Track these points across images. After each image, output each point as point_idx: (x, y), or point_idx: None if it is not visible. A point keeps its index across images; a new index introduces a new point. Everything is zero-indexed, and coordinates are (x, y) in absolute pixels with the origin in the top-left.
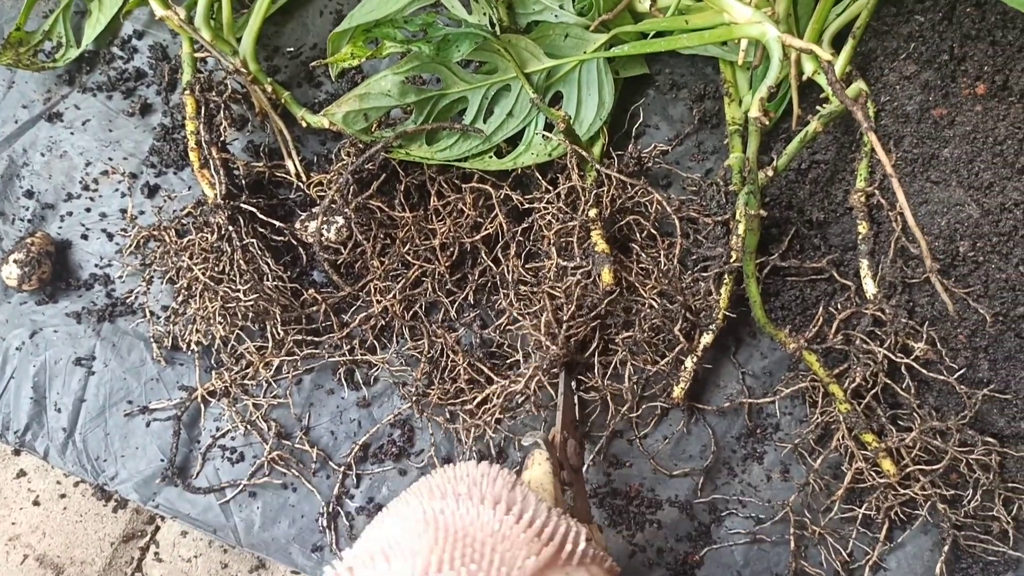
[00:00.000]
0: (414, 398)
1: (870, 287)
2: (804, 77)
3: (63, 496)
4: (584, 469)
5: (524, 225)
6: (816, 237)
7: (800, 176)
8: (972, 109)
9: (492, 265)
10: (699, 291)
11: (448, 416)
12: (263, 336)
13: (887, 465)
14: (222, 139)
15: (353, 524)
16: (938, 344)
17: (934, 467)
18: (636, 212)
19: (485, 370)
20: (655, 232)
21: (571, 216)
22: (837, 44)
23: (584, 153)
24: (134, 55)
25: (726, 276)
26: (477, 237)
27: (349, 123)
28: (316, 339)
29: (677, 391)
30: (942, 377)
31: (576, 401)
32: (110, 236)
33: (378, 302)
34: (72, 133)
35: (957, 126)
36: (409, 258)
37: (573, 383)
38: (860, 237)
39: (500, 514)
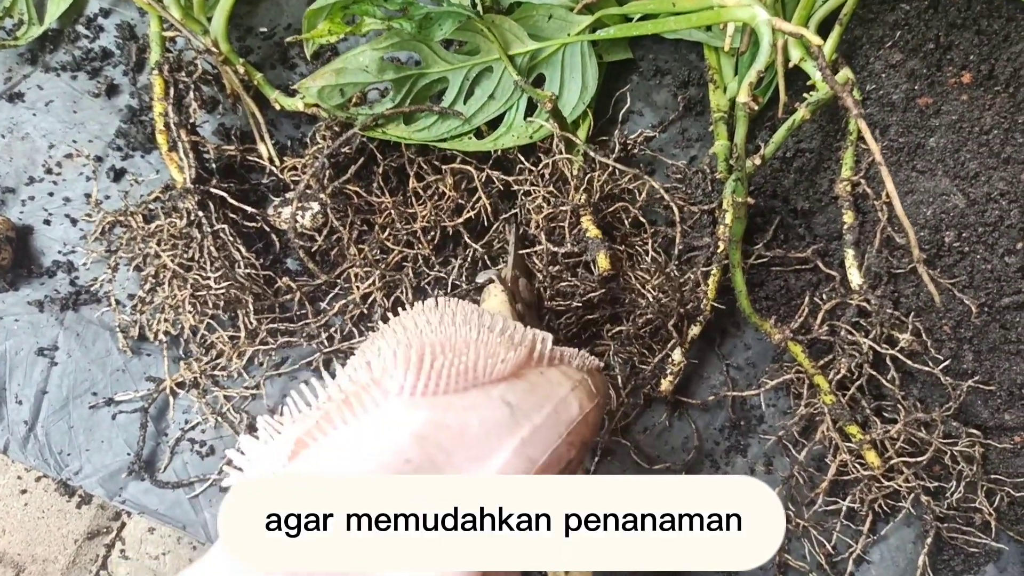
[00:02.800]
0: None
1: (855, 277)
2: (791, 64)
3: (24, 492)
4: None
5: (512, 211)
6: (801, 227)
7: (785, 165)
8: (958, 98)
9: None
10: (688, 282)
11: None
12: (235, 325)
13: (871, 457)
14: (192, 121)
15: None
16: (923, 335)
17: (918, 459)
18: (623, 199)
19: None
20: (642, 220)
21: (561, 200)
22: (823, 32)
23: (573, 137)
24: (100, 34)
25: (714, 266)
26: (460, 220)
27: (324, 98)
28: (291, 328)
29: (665, 384)
30: (927, 368)
31: (524, 257)
32: (74, 221)
33: (357, 288)
34: (35, 114)
35: (943, 115)
36: (389, 243)
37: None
38: (845, 227)
39: (475, 329)
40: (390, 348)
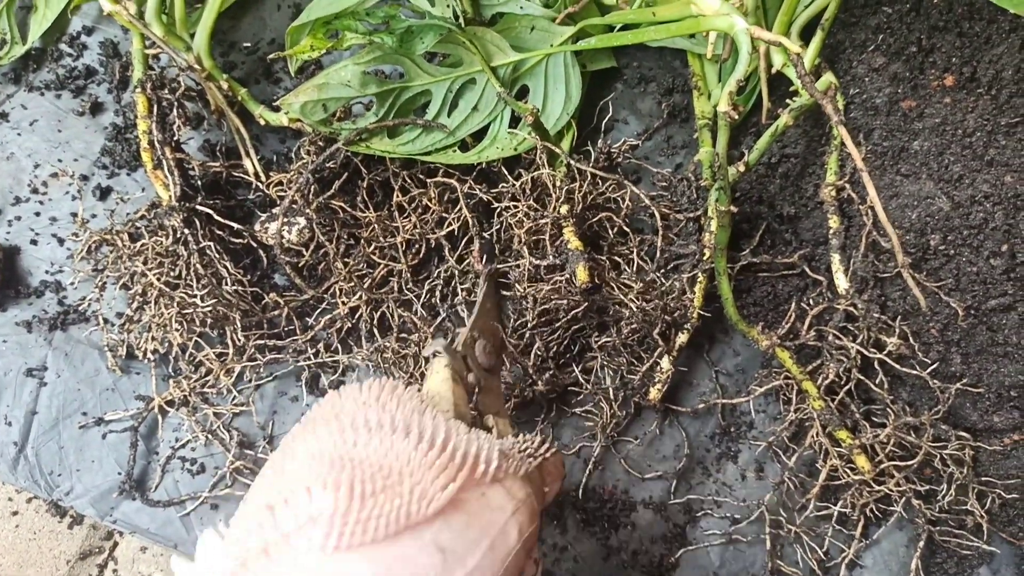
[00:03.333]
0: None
1: (842, 282)
2: (773, 70)
3: (15, 513)
4: (504, 365)
5: (496, 226)
6: (787, 232)
7: (770, 170)
8: (941, 101)
9: (456, 263)
10: (673, 290)
11: None
12: (223, 342)
13: (861, 462)
14: (176, 138)
15: None
16: (911, 339)
17: (908, 463)
18: (607, 208)
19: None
20: (627, 229)
21: (542, 213)
22: (805, 36)
23: (554, 147)
24: (83, 52)
25: (700, 274)
26: (442, 233)
27: (307, 113)
28: (279, 344)
29: (654, 392)
30: (915, 372)
31: (499, 302)
32: (61, 241)
33: (343, 303)
34: (19, 134)
35: (926, 118)
36: (375, 257)
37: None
38: (831, 232)
39: (413, 442)
40: (304, 487)
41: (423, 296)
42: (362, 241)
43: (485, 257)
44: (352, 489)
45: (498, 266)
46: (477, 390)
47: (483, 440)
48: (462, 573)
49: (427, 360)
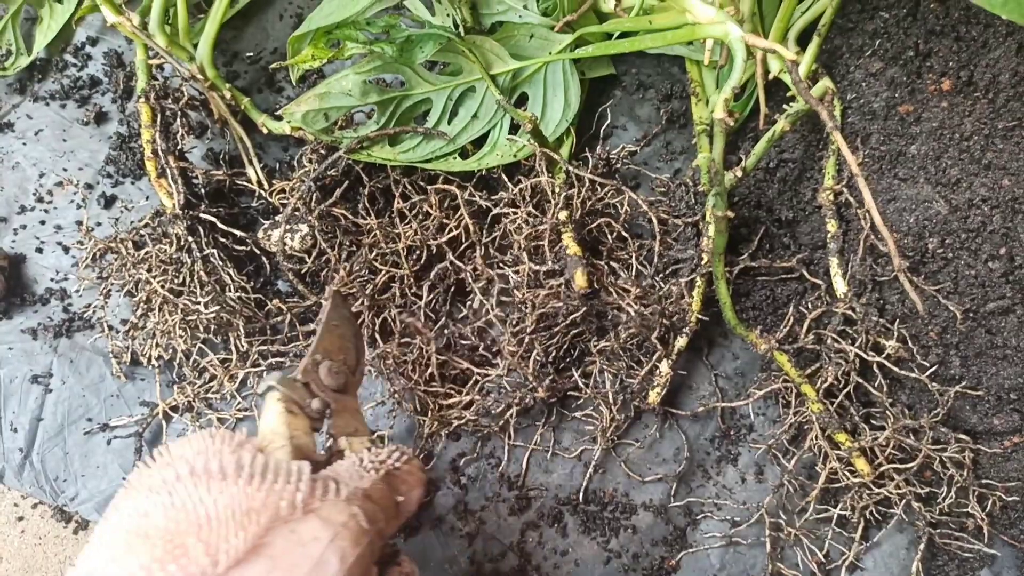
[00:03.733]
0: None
1: (840, 286)
2: (770, 76)
3: (20, 519)
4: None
5: (495, 233)
6: (785, 236)
7: (768, 175)
8: (938, 105)
9: (460, 265)
10: (671, 294)
11: (420, 424)
12: (227, 348)
13: (861, 464)
14: (180, 147)
15: None
16: (909, 342)
17: (908, 465)
18: (606, 214)
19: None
20: (626, 235)
21: (541, 219)
22: (803, 41)
23: (553, 154)
24: (88, 62)
25: (698, 278)
26: (443, 239)
27: (309, 122)
28: (282, 350)
29: (653, 396)
30: (914, 375)
31: (350, 316)
32: (66, 249)
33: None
34: (24, 143)
35: (924, 122)
36: (376, 264)
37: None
38: (829, 235)
39: (213, 494)
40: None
41: (425, 300)
42: (364, 247)
43: (331, 294)
44: (137, 562)
45: (340, 288)
46: (329, 412)
47: (292, 475)
48: None
49: (263, 396)
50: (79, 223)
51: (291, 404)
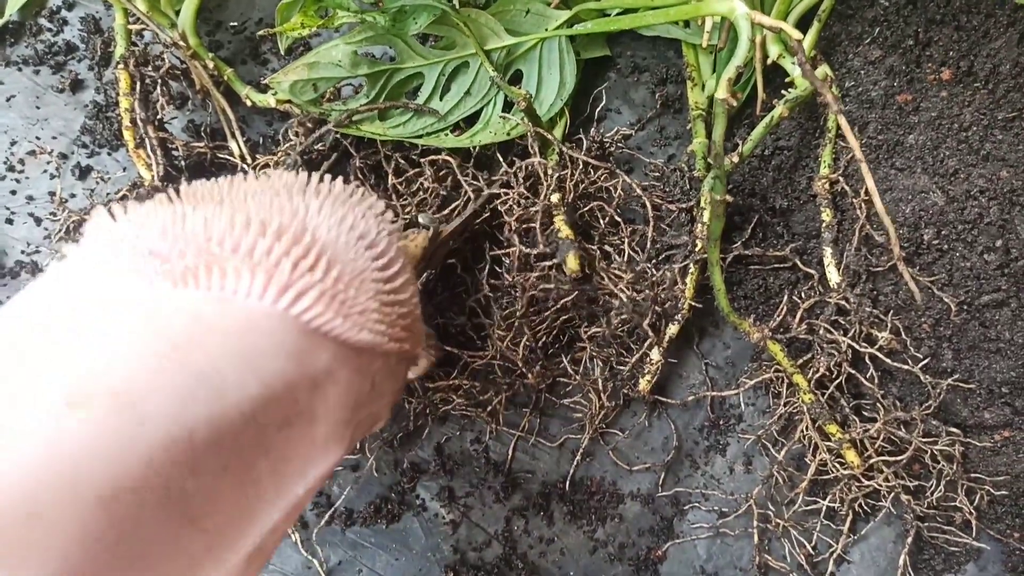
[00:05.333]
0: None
1: (834, 276)
2: (769, 61)
3: None
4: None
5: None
6: (779, 225)
7: (763, 163)
8: (937, 95)
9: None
10: (664, 281)
11: (407, 403)
12: None
13: (851, 456)
14: (159, 117)
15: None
16: (902, 333)
17: (898, 458)
18: (599, 198)
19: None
20: (619, 219)
21: (533, 201)
22: (801, 28)
23: (547, 134)
24: (64, 27)
25: (691, 265)
26: (444, 212)
27: (296, 93)
28: None
29: (643, 383)
30: (906, 367)
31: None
32: (38, 220)
33: None
34: None
35: (922, 112)
36: None
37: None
38: (824, 225)
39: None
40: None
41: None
42: None
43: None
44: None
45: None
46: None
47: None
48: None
49: (415, 224)
50: (52, 194)
51: (428, 248)
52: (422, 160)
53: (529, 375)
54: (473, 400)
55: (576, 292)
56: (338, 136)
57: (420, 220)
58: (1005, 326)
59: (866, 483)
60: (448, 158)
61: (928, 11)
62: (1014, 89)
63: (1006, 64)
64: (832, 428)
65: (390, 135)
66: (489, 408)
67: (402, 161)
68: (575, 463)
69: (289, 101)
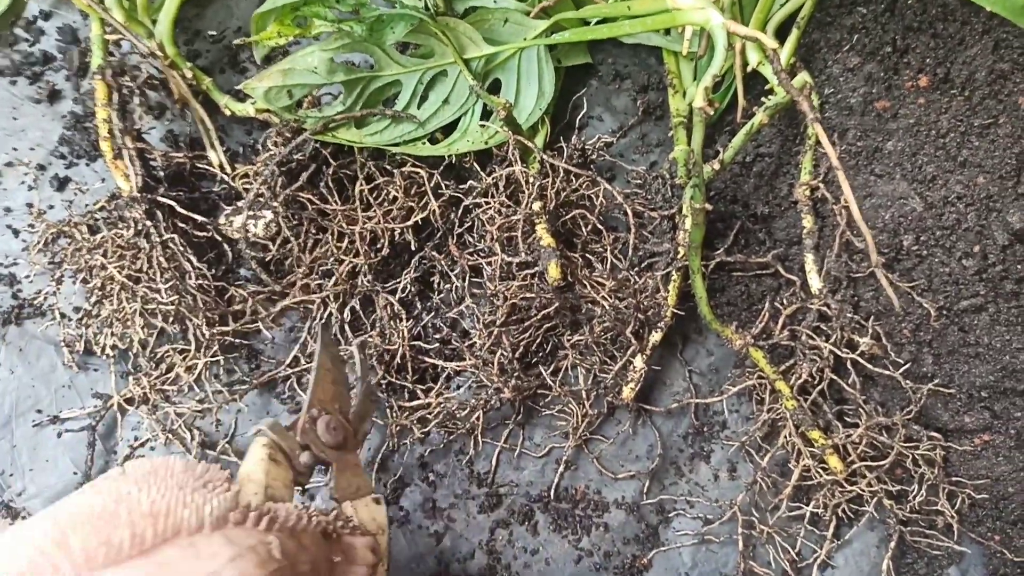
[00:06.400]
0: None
1: (815, 282)
2: (749, 68)
3: None
4: (365, 434)
5: (467, 224)
6: (761, 231)
7: (745, 169)
8: (915, 102)
9: (434, 255)
10: (647, 288)
11: (389, 415)
12: (185, 338)
13: (834, 462)
14: (137, 128)
15: None
16: (883, 339)
17: (880, 463)
18: (581, 206)
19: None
20: (601, 227)
21: (514, 210)
22: (781, 35)
23: (527, 142)
24: (40, 37)
25: (674, 272)
26: (407, 223)
27: (271, 99)
28: (245, 343)
29: (627, 391)
30: (887, 372)
31: (337, 356)
32: (16, 232)
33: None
34: None
35: (900, 119)
36: (341, 251)
37: (335, 342)
38: (805, 231)
39: (148, 492)
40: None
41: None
42: (332, 234)
43: (320, 334)
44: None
45: (333, 332)
46: (334, 467)
47: (214, 496)
48: None
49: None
50: (30, 205)
51: (276, 453)
52: (395, 171)
53: (505, 389)
54: (451, 416)
55: (558, 300)
56: (317, 146)
57: (252, 433)
58: (984, 331)
59: (849, 488)
60: (417, 169)
61: (905, 19)
62: (990, 96)
63: (982, 71)
64: (815, 434)
65: (367, 143)
66: (468, 425)
67: (376, 171)
68: (559, 472)
69: (268, 110)
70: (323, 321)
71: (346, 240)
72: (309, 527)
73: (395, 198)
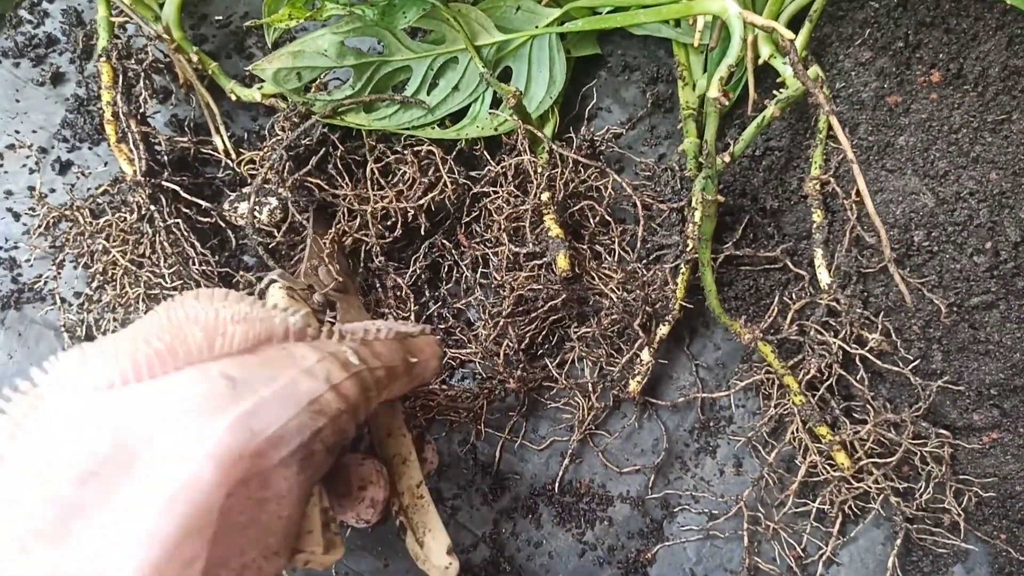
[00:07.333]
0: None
1: (824, 277)
2: (760, 61)
3: None
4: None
5: (474, 213)
6: (770, 225)
7: (754, 163)
8: (927, 97)
9: (444, 242)
10: (655, 281)
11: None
12: None
13: (841, 458)
14: (142, 111)
15: None
16: (892, 335)
17: (887, 460)
18: (589, 197)
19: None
20: (609, 219)
21: (522, 200)
22: (793, 28)
23: (536, 131)
24: (45, 19)
25: (683, 265)
26: (421, 202)
27: (280, 81)
28: None
29: (633, 385)
30: (896, 368)
31: (327, 229)
32: (17, 216)
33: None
34: None
35: (912, 114)
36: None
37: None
38: (814, 226)
39: (216, 304)
40: (74, 352)
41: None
42: (342, 218)
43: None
44: (130, 334)
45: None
46: (334, 311)
47: (294, 309)
48: (255, 398)
49: (264, 292)
50: (31, 189)
51: (295, 293)
52: (405, 151)
53: (511, 380)
54: (456, 405)
55: (566, 292)
56: (325, 131)
57: (262, 285)
58: (994, 328)
59: (856, 485)
60: (432, 149)
61: (918, 13)
62: (1003, 92)
63: (995, 67)
64: (822, 430)
65: (375, 127)
66: (472, 415)
67: (388, 153)
68: (564, 465)
69: (275, 95)
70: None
71: (358, 219)
72: (380, 336)
73: (409, 178)
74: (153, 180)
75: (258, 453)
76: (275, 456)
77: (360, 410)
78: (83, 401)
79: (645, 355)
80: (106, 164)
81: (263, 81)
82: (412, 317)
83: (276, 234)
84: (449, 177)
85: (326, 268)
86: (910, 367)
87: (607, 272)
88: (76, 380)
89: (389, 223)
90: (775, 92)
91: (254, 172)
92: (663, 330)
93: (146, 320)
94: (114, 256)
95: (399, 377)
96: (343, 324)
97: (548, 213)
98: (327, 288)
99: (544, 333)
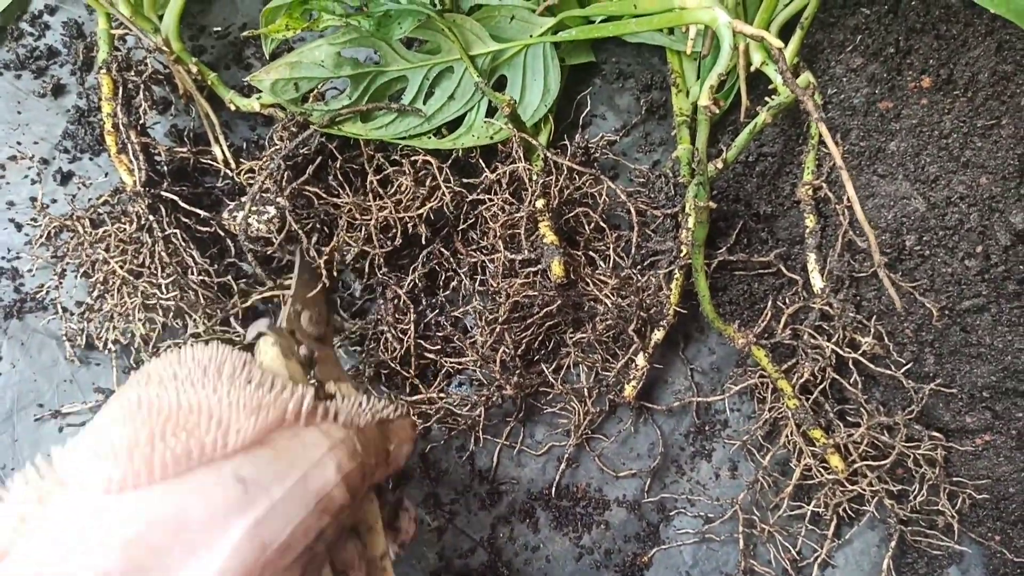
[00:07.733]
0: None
1: (817, 281)
2: (752, 68)
3: None
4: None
5: (470, 220)
6: (763, 231)
7: (747, 169)
8: (918, 102)
9: (441, 250)
10: (650, 287)
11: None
12: (187, 333)
13: (835, 461)
14: (142, 122)
15: None
16: (885, 338)
17: (881, 462)
18: (584, 204)
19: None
20: (603, 225)
21: (517, 207)
22: (784, 35)
23: (531, 139)
24: (46, 32)
25: (676, 271)
26: (423, 210)
27: (278, 91)
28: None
29: (629, 389)
30: (889, 372)
31: (315, 268)
32: (19, 226)
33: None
34: None
35: (903, 119)
36: (350, 242)
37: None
38: (807, 231)
39: (224, 387)
40: (89, 438)
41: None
42: (340, 228)
43: (296, 252)
44: (141, 427)
45: (306, 244)
46: (313, 360)
47: (300, 389)
48: (267, 502)
49: (253, 345)
50: (33, 199)
51: (285, 349)
52: (405, 160)
53: (507, 386)
54: (452, 412)
55: (561, 298)
56: (322, 140)
57: (249, 336)
58: (986, 331)
59: (850, 488)
60: (429, 159)
61: (908, 20)
62: (992, 97)
63: (984, 72)
64: (816, 433)
65: (372, 136)
66: (470, 422)
67: (385, 162)
68: (561, 470)
69: (273, 105)
70: (298, 248)
71: (355, 231)
72: (367, 420)
73: (407, 188)
74: (153, 190)
75: (268, 564)
76: (282, 565)
77: (358, 501)
78: (92, 503)
79: (640, 360)
80: (107, 175)
81: (261, 91)
82: (411, 328)
83: (273, 242)
84: (446, 186)
85: (308, 314)
86: (903, 370)
87: (602, 278)
88: (85, 478)
89: (390, 234)
90: (768, 99)
91: (253, 182)
92: (658, 335)
93: (155, 399)
94: (113, 266)
95: (380, 465)
96: (337, 403)
97: (543, 220)
98: (310, 336)
99: (540, 339)
